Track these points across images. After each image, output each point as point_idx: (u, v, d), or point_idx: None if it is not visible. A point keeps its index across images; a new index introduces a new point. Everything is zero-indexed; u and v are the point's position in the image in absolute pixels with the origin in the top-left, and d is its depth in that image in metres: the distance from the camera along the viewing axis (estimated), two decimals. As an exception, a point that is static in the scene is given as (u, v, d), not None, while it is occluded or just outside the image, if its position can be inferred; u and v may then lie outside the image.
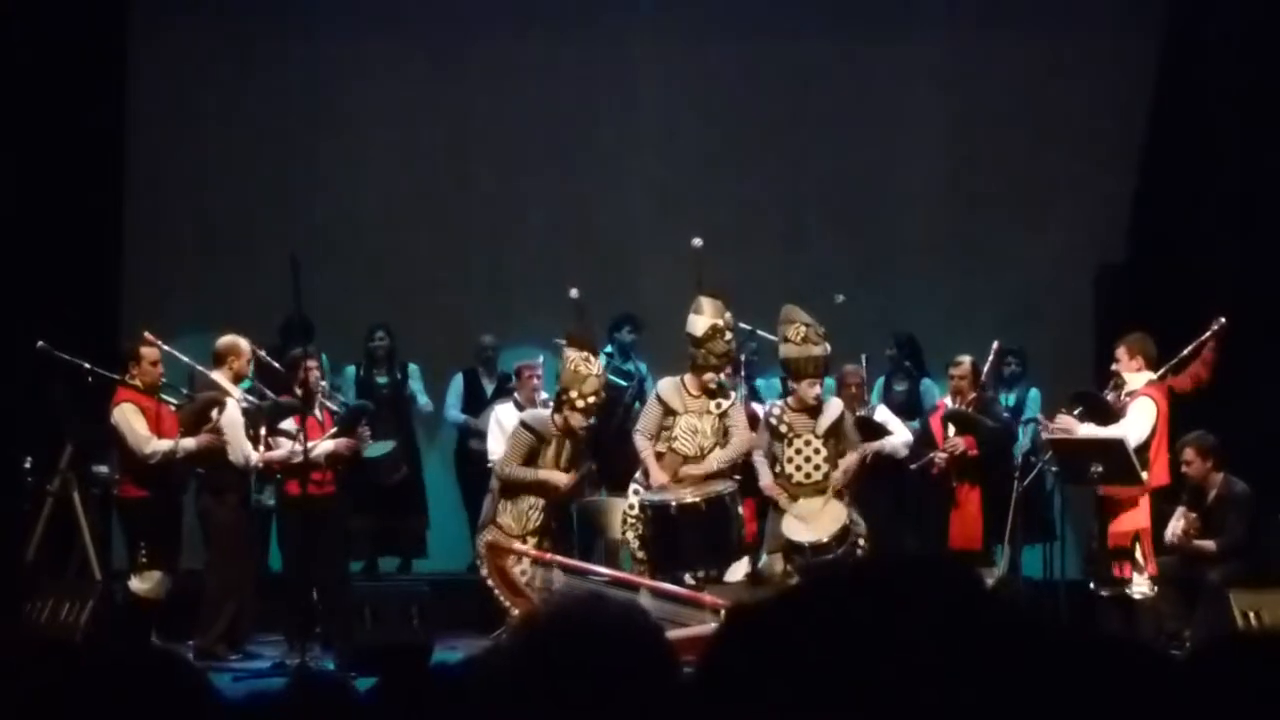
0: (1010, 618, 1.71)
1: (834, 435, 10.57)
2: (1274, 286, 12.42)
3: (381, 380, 12.68)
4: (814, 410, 10.57)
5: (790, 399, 10.70)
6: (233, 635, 10.48)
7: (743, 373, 11.65)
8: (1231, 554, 10.48)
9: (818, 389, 10.58)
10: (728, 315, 10.50)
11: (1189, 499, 10.56)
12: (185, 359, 10.71)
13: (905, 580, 1.73)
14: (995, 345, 11.40)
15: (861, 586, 1.73)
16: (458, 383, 12.95)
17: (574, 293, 11.04)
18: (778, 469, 10.59)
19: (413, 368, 12.86)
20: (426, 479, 12.94)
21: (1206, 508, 10.57)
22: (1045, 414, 11.24)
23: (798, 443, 10.57)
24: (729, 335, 10.49)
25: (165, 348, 10.54)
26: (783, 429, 10.59)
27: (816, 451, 10.55)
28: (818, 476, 10.53)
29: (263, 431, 10.41)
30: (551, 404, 10.66)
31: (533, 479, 10.22)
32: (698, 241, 10.89)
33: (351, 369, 12.72)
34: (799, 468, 10.56)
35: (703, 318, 10.48)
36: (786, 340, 10.57)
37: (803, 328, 10.49)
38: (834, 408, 10.67)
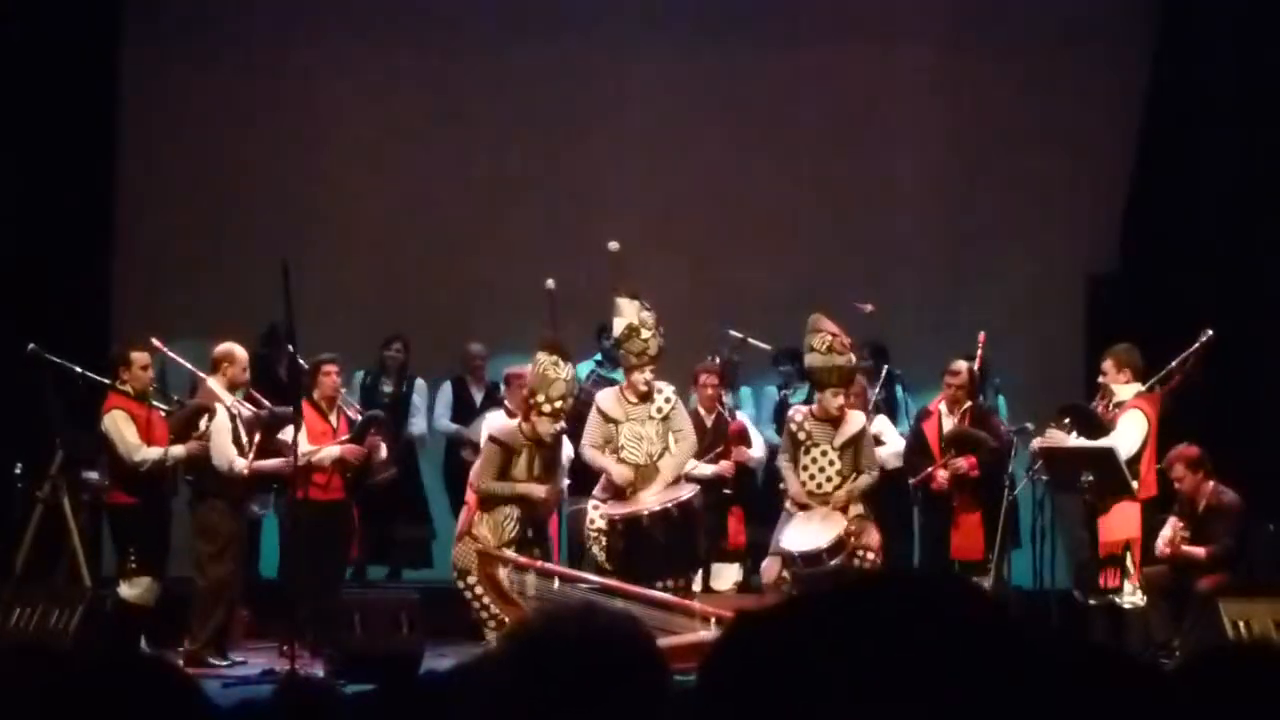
0: (1009, 628, 1.71)
1: (851, 448, 10.55)
2: (1264, 296, 12.43)
3: (387, 390, 12.66)
4: (836, 421, 10.55)
5: (814, 408, 10.68)
6: (221, 641, 10.48)
7: (728, 382, 11.65)
8: (1221, 562, 10.48)
9: (840, 399, 10.53)
10: (645, 314, 10.41)
11: (1180, 508, 10.56)
12: (188, 365, 10.75)
13: (909, 592, 1.73)
14: (981, 336, 11.14)
15: (864, 597, 1.72)
16: (446, 391, 12.88)
17: (549, 284, 10.87)
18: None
19: (419, 383, 12.81)
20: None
21: (1198, 517, 10.57)
22: (1030, 421, 11.22)
23: (814, 452, 10.55)
24: (645, 333, 10.37)
25: (170, 354, 10.60)
26: (801, 436, 10.57)
27: (831, 463, 10.53)
28: (829, 488, 10.52)
29: (256, 438, 10.43)
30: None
31: (511, 493, 10.04)
32: (614, 245, 10.83)
33: (359, 374, 12.70)
34: (812, 477, 10.55)
35: (619, 319, 10.44)
36: (812, 349, 10.53)
37: (828, 337, 10.44)
38: (855, 421, 10.62)
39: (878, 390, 12.36)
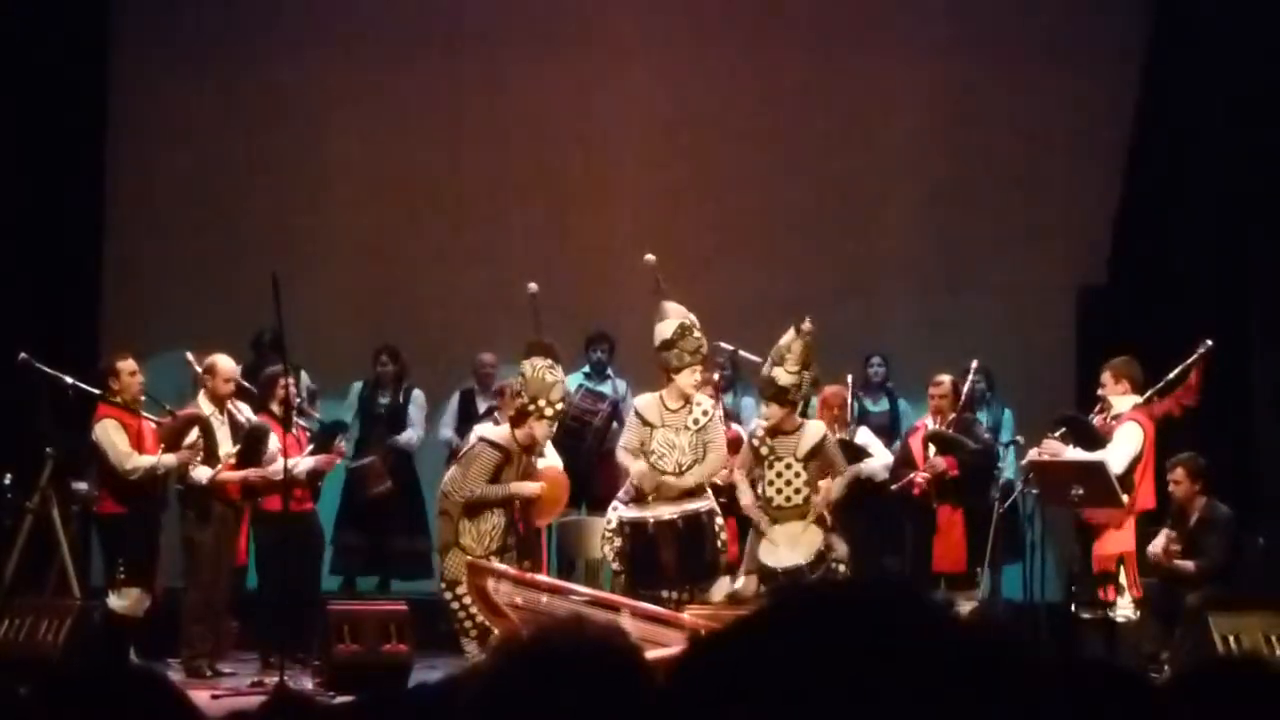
0: (982, 641, 1.70)
1: (814, 458, 10.52)
2: (1255, 309, 12.45)
3: (383, 401, 12.65)
4: (795, 433, 10.52)
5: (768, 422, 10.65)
6: (213, 652, 10.48)
7: (721, 392, 11.64)
8: (1211, 576, 10.49)
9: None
10: (693, 317, 10.43)
11: (1172, 521, 10.57)
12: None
13: (868, 604, 1.72)
14: (974, 364, 11.41)
15: (824, 610, 1.72)
16: (453, 402, 12.87)
17: (532, 287, 10.82)
18: (759, 491, 10.55)
19: (416, 394, 12.76)
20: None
21: (1189, 530, 10.58)
22: (1020, 434, 11.29)
23: (779, 465, 10.51)
24: (697, 333, 10.40)
25: (197, 368, 10.76)
26: (764, 450, 10.53)
27: (797, 475, 10.48)
28: (798, 500, 10.46)
29: (236, 447, 10.47)
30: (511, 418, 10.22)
31: (504, 494, 9.89)
32: (650, 258, 10.81)
33: (359, 385, 12.68)
34: (779, 490, 10.50)
35: (669, 321, 10.40)
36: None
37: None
38: (814, 431, 10.60)
39: (881, 404, 12.41)
